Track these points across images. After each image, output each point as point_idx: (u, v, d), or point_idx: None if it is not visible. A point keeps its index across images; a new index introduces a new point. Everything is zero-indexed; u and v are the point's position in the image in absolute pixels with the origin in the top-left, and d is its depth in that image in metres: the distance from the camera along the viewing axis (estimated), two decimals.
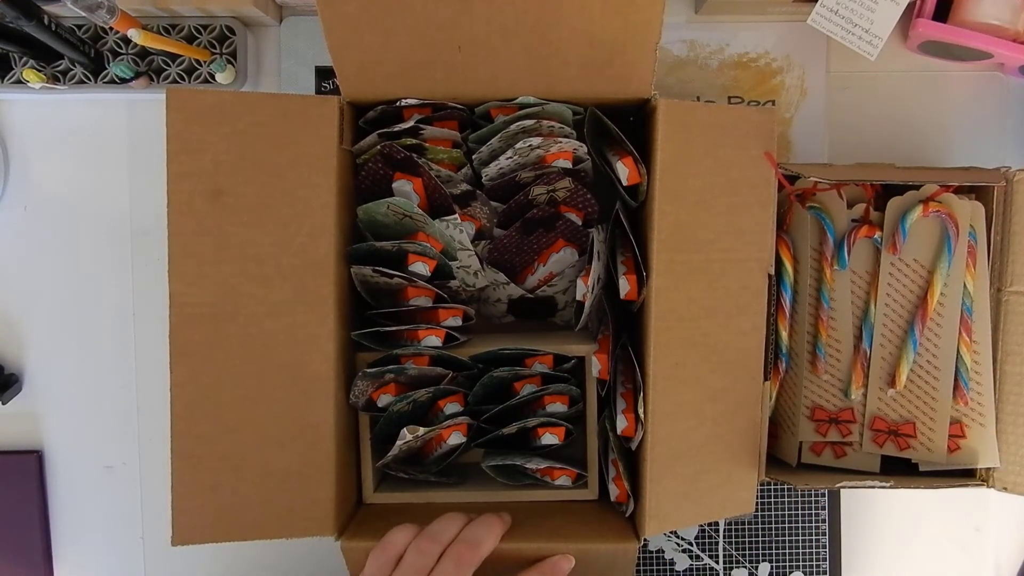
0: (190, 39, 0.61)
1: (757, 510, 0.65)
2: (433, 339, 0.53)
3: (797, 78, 0.64)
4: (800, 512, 0.65)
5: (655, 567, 0.65)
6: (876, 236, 0.55)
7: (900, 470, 0.57)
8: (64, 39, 0.56)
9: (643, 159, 0.51)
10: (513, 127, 0.51)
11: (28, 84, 0.60)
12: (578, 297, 0.56)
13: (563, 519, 0.54)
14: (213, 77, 0.61)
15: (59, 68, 0.61)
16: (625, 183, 0.51)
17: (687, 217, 0.49)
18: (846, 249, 0.55)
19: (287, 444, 0.50)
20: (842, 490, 0.65)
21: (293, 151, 0.48)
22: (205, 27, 0.61)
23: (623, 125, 0.52)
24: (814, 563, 0.65)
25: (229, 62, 0.61)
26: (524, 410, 0.56)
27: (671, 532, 0.65)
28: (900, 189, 0.56)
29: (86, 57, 0.59)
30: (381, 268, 0.51)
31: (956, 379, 0.55)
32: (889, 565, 0.66)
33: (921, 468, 0.57)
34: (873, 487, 0.53)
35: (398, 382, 0.54)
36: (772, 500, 0.65)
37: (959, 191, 0.56)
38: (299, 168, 0.48)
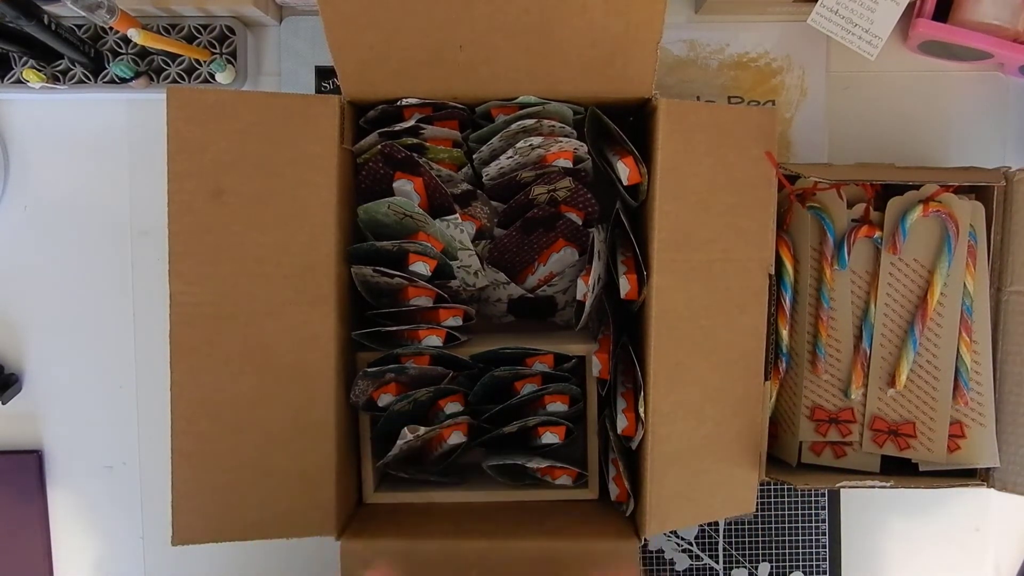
0: (190, 39, 0.61)
1: (757, 510, 0.65)
2: (434, 339, 0.53)
3: (797, 78, 0.64)
4: (800, 512, 0.65)
5: (655, 567, 0.65)
6: (876, 236, 0.55)
7: (900, 470, 0.57)
8: (64, 39, 0.56)
9: (643, 159, 0.51)
10: (514, 126, 0.51)
11: (28, 84, 0.60)
12: (578, 297, 0.56)
13: (563, 518, 0.54)
14: (213, 77, 0.61)
15: (59, 68, 0.60)
16: (626, 183, 0.51)
17: (688, 217, 0.49)
18: (846, 249, 0.55)
19: (287, 444, 0.50)
20: (842, 490, 0.65)
21: (294, 150, 0.48)
22: (205, 27, 0.61)
23: (623, 125, 0.52)
24: (814, 563, 0.65)
25: (229, 62, 0.61)
26: (525, 409, 0.56)
27: (671, 532, 0.65)
28: (900, 189, 0.56)
29: (86, 57, 0.59)
30: (382, 268, 0.51)
31: (956, 379, 0.55)
32: (889, 565, 0.66)
33: (921, 468, 0.57)
34: (873, 487, 0.53)
35: (399, 381, 0.54)
36: (772, 500, 0.65)
37: (959, 191, 0.56)
38: (300, 167, 0.48)
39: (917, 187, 0.55)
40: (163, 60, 0.61)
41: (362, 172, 0.53)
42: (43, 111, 0.64)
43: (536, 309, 0.61)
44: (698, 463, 0.51)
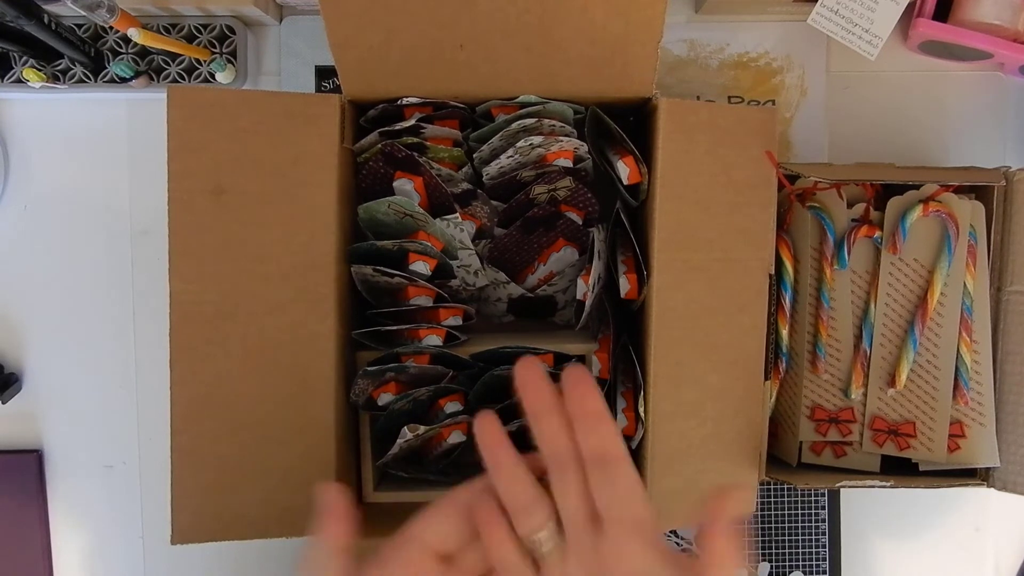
0: (190, 38, 0.61)
1: (757, 510, 0.65)
2: (434, 338, 0.53)
3: (797, 78, 0.64)
4: (800, 512, 0.65)
5: None
6: (876, 236, 0.55)
7: (900, 470, 0.57)
8: (64, 38, 0.56)
9: (644, 158, 0.51)
10: (514, 126, 0.51)
11: (28, 83, 0.60)
12: (578, 296, 0.56)
13: None
14: (213, 76, 0.61)
15: (59, 67, 0.60)
16: (626, 182, 0.51)
17: (688, 216, 0.49)
18: (846, 249, 0.55)
19: (287, 443, 0.49)
20: (842, 490, 0.65)
21: (294, 149, 0.48)
22: (205, 26, 0.61)
23: (623, 125, 0.52)
24: (814, 563, 0.65)
25: (229, 61, 0.61)
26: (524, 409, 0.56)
27: (671, 532, 0.65)
28: (900, 189, 0.56)
29: (86, 56, 0.59)
30: (382, 268, 0.51)
31: (956, 379, 0.55)
32: (889, 565, 0.66)
33: (921, 468, 0.57)
34: (873, 487, 0.53)
35: (398, 381, 0.54)
36: (772, 500, 0.65)
37: (959, 191, 0.56)
38: (300, 166, 0.48)
39: (917, 187, 0.55)
40: (163, 59, 0.61)
41: (362, 171, 0.53)
42: (43, 110, 0.64)
43: (536, 309, 0.61)
44: (698, 463, 0.51)
